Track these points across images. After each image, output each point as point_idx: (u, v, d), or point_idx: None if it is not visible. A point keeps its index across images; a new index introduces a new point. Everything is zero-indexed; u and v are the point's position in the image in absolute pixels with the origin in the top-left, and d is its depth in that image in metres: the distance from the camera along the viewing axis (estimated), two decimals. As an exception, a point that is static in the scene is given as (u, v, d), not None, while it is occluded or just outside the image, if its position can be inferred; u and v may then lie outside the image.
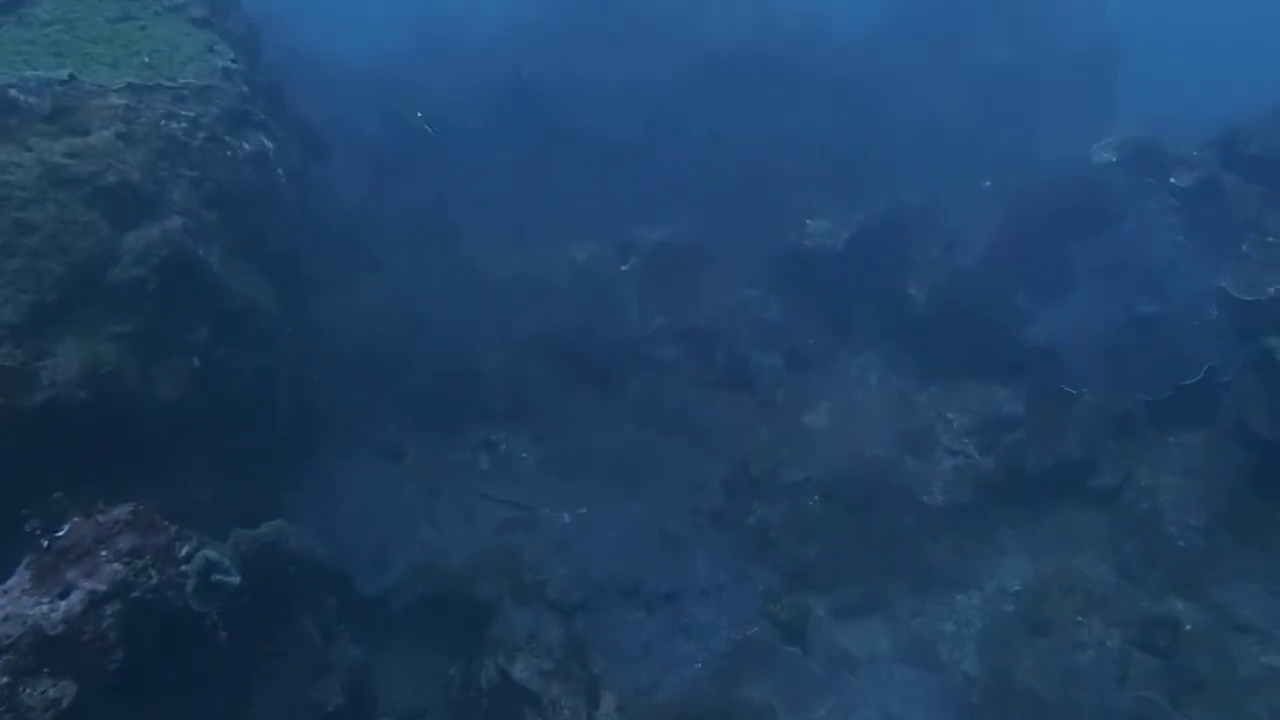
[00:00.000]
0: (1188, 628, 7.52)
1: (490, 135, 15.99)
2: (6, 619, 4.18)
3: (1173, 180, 10.60)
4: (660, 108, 16.18)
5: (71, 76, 6.24)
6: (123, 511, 4.56)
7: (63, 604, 4.31)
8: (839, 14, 17.89)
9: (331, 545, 7.36)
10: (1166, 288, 10.07)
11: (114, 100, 6.23)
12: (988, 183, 11.74)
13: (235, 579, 5.07)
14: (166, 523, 4.74)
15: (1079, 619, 7.81)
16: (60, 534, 4.54)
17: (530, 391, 10.46)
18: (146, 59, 6.63)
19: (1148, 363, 9.53)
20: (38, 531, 4.57)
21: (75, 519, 4.58)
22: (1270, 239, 8.71)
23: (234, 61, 7.12)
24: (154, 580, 4.56)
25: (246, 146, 6.80)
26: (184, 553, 4.83)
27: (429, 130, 15.11)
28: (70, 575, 4.40)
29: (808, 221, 12.11)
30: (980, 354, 10.12)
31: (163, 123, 6.28)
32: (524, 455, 9.93)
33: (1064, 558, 8.49)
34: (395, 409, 10.05)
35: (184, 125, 6.38)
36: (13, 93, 5.96)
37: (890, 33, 17.67)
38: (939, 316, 10.56)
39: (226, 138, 6.62)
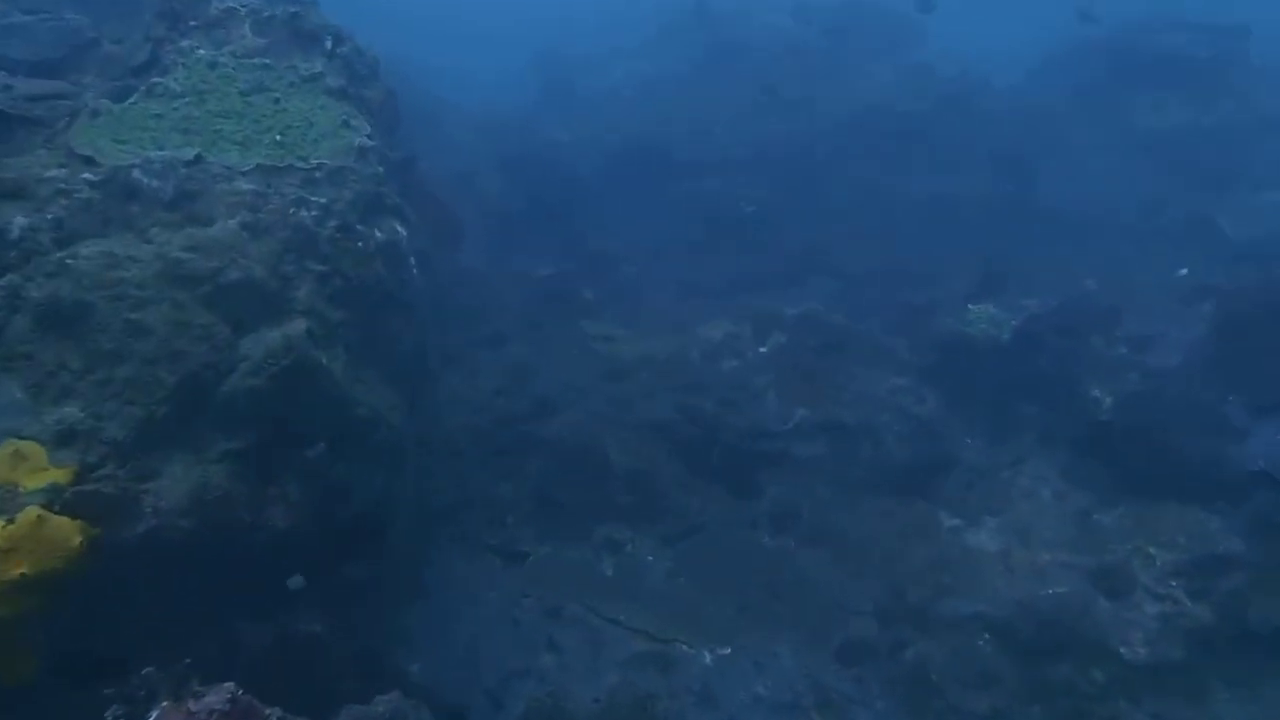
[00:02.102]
0: None
1: (617, 196, 15.35)
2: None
3: None
4: (798, 170, 15.24)
5: (198, 158, 5.70)
6: (218, 700, 3.78)
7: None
8: (991, 71, 16.66)
9: (448, 675, 6.59)
10: None
11: (241, 185, 5.65)
12: (1184, 270, 10.30)
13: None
14: (269, 711, 3.94)
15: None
16: (147, 723, 3.80)
17: (658, 486, 9.52)
18: (279, 136, 6.06)
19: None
20: (120, 720, 3.85)
21: (164, 704, 3.82)
22: None
23: (370, 138, 6.52)
24: (251, 786, 3.76)
25: (379, 235, 6.14)
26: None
27: None
28: (155, 779, 3.64)
29: (969, 306, 10.93)
30: (1182, 473, 8.68)
31: (292, 210, 5.66)
32: (650, 559, 8.96)
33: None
34: (514, 500, 9.27)
35: (314, 213, 5.75)
36: (136, 175, 5.44)
37: (1046, 92, 16.31)
38: (1130, 425, 9.16)
39: (358, 226, 5.97)
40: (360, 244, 5.93)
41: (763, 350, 11.09)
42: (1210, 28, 15.98)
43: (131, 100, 5.98)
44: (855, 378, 10.72)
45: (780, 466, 9.82)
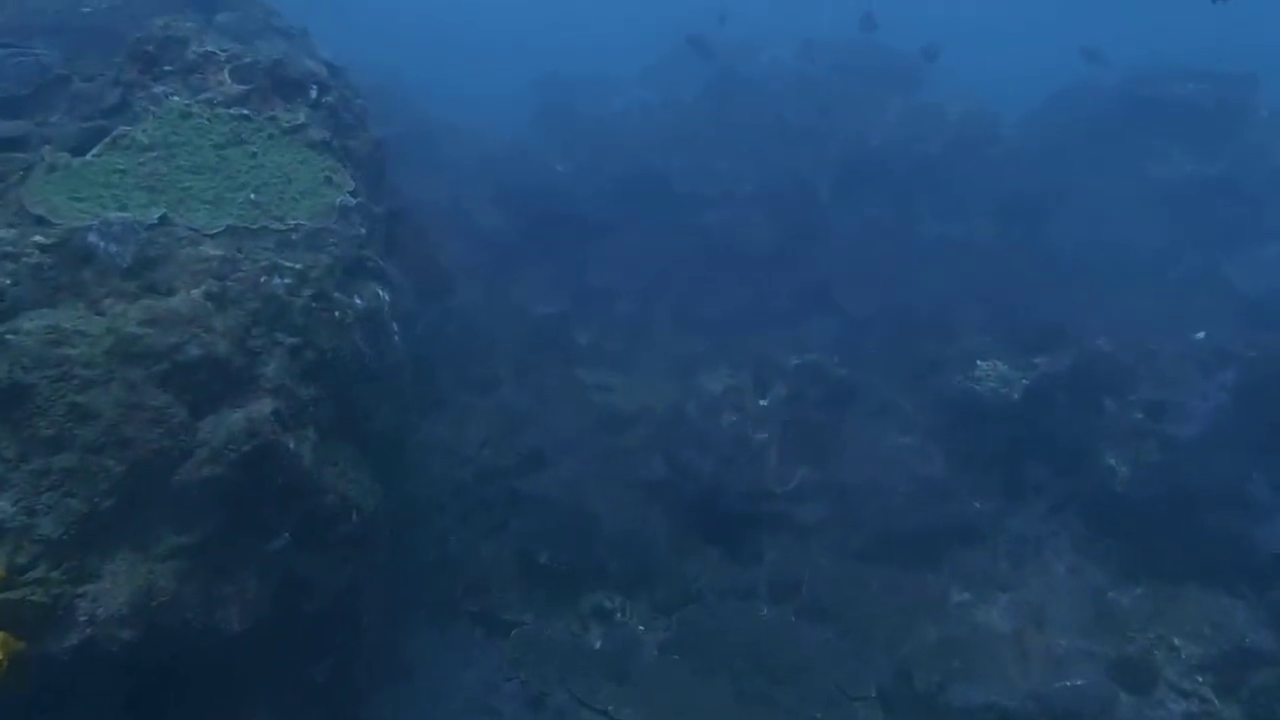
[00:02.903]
0: None
1: (617, 229, 14.92)
2: None
3: None
4: (803, 207, 14.83)
5: (163, 219, 5.26)
6: None
7: None
8: (999, 111, 16.31)
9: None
10: None
11: (208, 250, 5.21)
12: (1201, 334, 9.88)
13: None
14: None
15: None
16: None
17: (651, 548, 9.07)
18: (253, 195, 5.62)
19: None
20: None
21: None
22: None
23: (353, 194, 6.07)
24: None
25: (358, 302, 5.69)
26: None
27: None
28: None
29: (978, 362, 10.51)
30: (1205, 554, 8.23)
31: (263, 278, 5.21)
32: (641, 629, 8.49)
33: None
34: (497, 562, 8.81)
35: (288, 281, 5.30)
36: (92, 239, 4.99)
37: (1055, 135, 15.94)
38: (1148, 499, 8.72)
39: (335, 294, 5.52)
40: (338, 313, 5.48)
41: (764, 403, 10.64)
42: (1219, 76, 15.67)
43: (94, 153, 5.54)
44: (859, 434, 10.28)
45: (780, 530, 9.37)
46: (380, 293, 5.92)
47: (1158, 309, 11.95)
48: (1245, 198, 14.57)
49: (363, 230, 5.94)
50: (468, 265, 12.56)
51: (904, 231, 14.69)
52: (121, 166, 5.47)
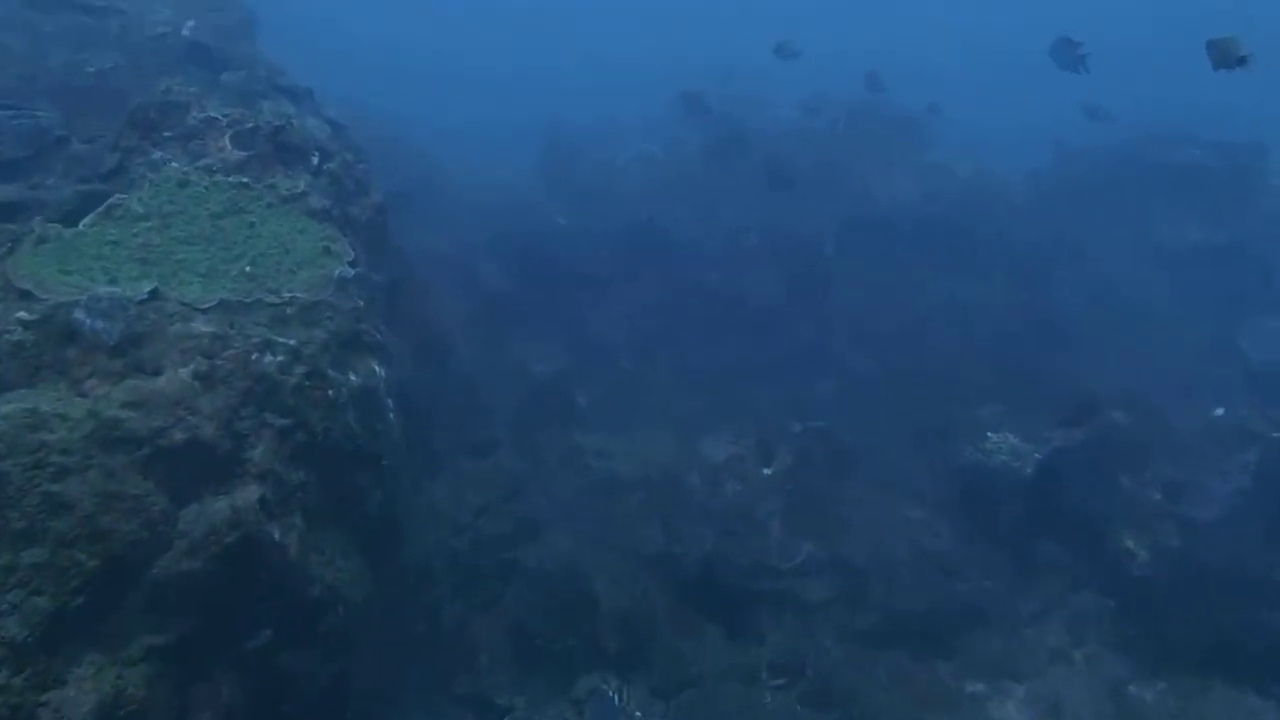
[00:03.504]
0: None
1: (619, 284, 14.79)
2: None
3: None
4: (807, 265, 14.70)
5: (154, 293, 5.05)
6: None
7: None
8: (1007, 169, 16.25)
9: None
10: None
11: (199, 326, 5.00)
12: (1219, 410, 9.66)
13: None
14: None
15: None
16: None
17: (651, 627, 8.73)
18: (248, 266, 5.43)
19: None
20: None
21: None
22: None
23: (352, 264, 5.88)
24: None
25: (353, 379, 5.47)
26: None
27: None
28: None
29: (989, 434, 10.26)
30: (1228, 646, 7.92)
31: (254, 356, 4.99)
32: (639, 715, 8.13)
33: None
34: (490, 639, 8.47)
35: (280, 358, 5.08)
36: (78, 316, 4.78)
37: (1062, 196, 15.86)
38: (1168, 585, 8.43)
39: (330, 371, 5.30)
40: (331, 392, 5.26)
41: (767, 472, 10.35)
42: (1227, 144, 15.66)
43: (86, 222, 5.35)
44: (866, 507, 9.99)
45: (784, 608, 9.05)
46: (377, 368, 5.70)
47: (1170, 377, 11.76)
48: (1255, 266, 14.44)
49: (360, 302, 5.75)
50: (468, 320, 12.40)
51: (911, 290, 14.55)
52: (114, 237, 5.28)
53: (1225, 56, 7.69)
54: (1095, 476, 9.55)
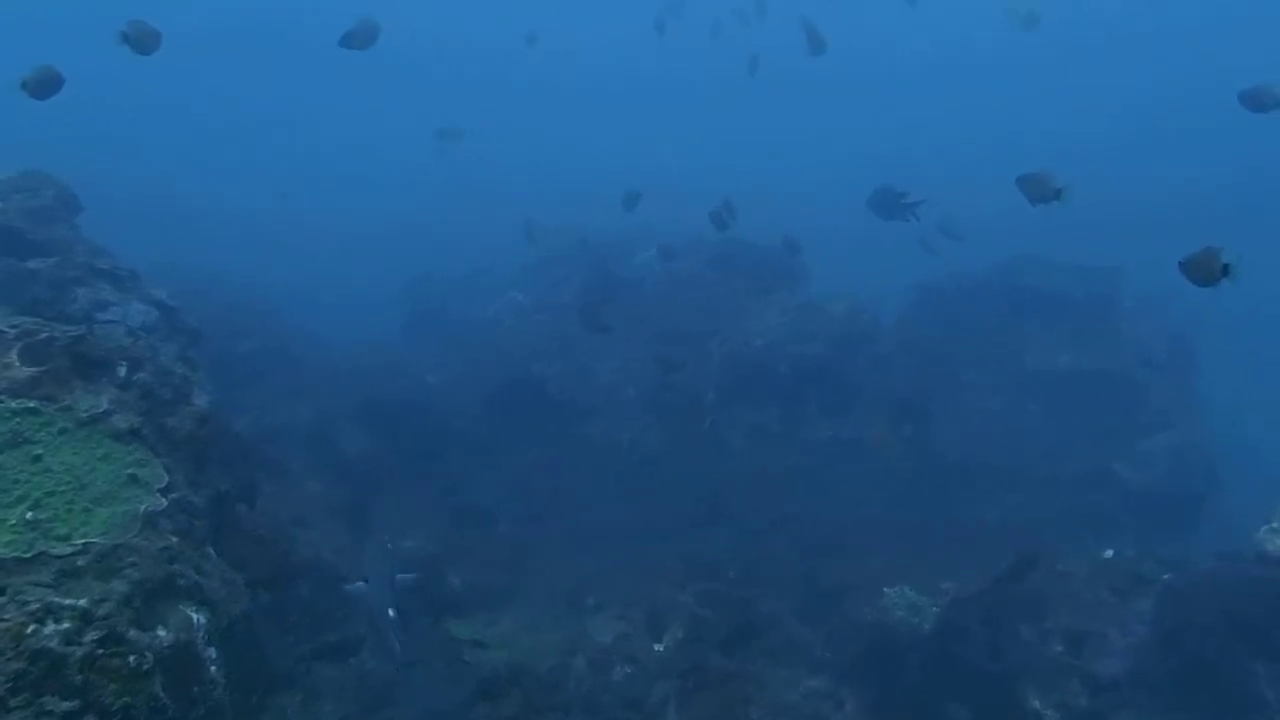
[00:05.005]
0: None
1: (494, 444, 14.12)
2: None
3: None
4: (688, 413, 14.47)
5: (-103, 561, 4.09)
6: None
7: None
8: (877, 307, 16.64)
9: None
10: None
11: (-46, 600, 4.04)
12: (1109, 552, 9.69)
13: None
14: None
15: None
16: None
17: None
18: (30, 513, 4.53)
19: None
20: None
21: None
22: None
23: (165, 490, 5.05)
24: None
25: (162, 635, 4.57)
26: None
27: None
28: None
29: (885, 590, 9.95)
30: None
31: (31, 629, 4.07)
32: None
33: None
34: None
35: (65, 626, 4.17)
36: None
37: (933, 329, 16.21)
38: (1080, 749, 8.10)
39: (130, 632, 4.39)
40: (133, 659, 4.34)
41: (659, 649, 9.67)
42: (1085, 270, 16.23)
43: None
44: (766, 681, 9.37)
45: (688, 815, 8.21)
46: (194, 616, 4.81)
47: (1055, 514, 11.89)
48: (1124, 389, 15.03)
49: (174, 539, 4.89)
50: (328, 503, 11.41)
51: (793, 436, 14.48)
52: None
53: (1041, 191, 7.91)
54: (995, 629, 9.31)
